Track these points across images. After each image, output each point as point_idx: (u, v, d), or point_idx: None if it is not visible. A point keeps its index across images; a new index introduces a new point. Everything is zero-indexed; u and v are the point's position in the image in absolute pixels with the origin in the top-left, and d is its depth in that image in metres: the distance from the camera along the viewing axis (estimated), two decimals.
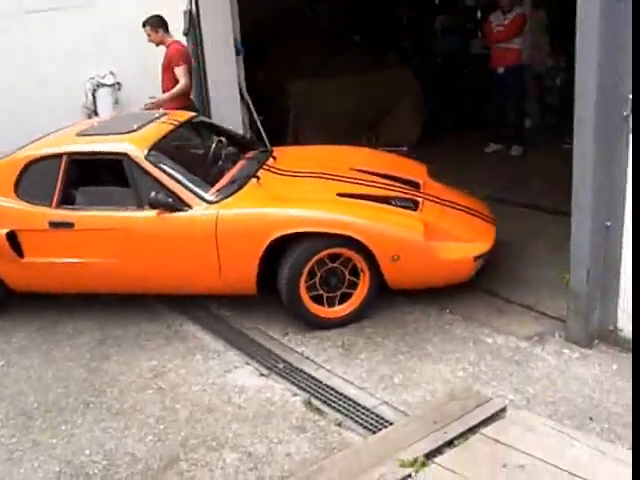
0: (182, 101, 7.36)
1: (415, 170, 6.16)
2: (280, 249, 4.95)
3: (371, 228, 4.91)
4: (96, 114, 8.24)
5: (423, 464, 3.50)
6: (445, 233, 5.07)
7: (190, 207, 5.12)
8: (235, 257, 5.02)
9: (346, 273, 5.03)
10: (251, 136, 8.40)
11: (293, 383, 4.48)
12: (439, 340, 4.80)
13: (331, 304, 5.08)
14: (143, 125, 5.75)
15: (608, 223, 4.35)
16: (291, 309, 5.11)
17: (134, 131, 5.62)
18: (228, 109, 8.03)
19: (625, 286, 4.35)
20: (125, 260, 5.26)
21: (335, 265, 5.01)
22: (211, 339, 5.14)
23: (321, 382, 4.46)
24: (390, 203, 5.25)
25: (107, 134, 5.71)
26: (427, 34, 11.53)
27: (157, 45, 7.47)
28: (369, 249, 4.87)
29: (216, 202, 5.14)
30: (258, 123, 8.68)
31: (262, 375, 4.61)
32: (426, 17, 11.63)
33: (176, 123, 5.97)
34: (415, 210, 5.24)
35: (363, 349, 4.79)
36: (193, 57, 7.67)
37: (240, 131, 7.95)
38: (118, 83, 8.34)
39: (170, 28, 7.40)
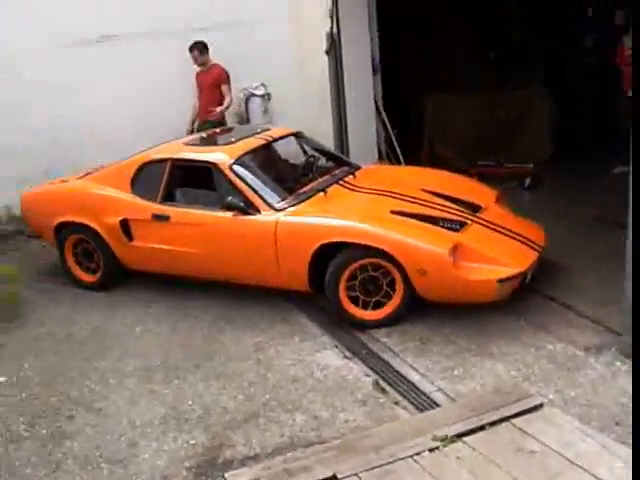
0: (223, 115, 8.80)
1: (483, 195, 6.65)
2: (333, 255, 5.74)
3: (401, 243, 5.52)
4: (248, 121, 9.25)
5: (452, 441, 4.14)
6: (477, 255, 5.54)
7: (259, 212, 6.03)
8: (290, 258, 5.88)
9: (384, 283, 5.67)
10: (383, 150, 9.15)
11: (369, 367, 5.24)
12: (504, 343, 5.39)
13: (365, 307, 5.78)
14: (241, 139, 6.76)
15: None
16: (333, 306, 5.87)
17: (230, 143, 6.65)
18: (363, 124, 8.88)
19: None
20: (207, 251, 6.28)
21: (376, 274, 5.67)
22: (311, 325, 5.98)
23: (392, 367, 5.19)
24: (437, 223, 5.84)
25: (208, 145, 6.80)
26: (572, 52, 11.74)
27: (199, 65, 8.80)
28: (399, 262, 5.50)
29: (281, 210, 6.02)
30: (392, 137, 9.38)
31: (345, 357, 5.40)
32: (574, 35, 11.82)
33: (269, 138, 6.90)
34: (457, 231, 5.79)
35: (437, 344, 5.46)
36: (332, 76, 8.58)
37: (374, 145, 8.76)
38: (268, 94, 9.23)
39: (311, 47, 8.38)
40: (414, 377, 5.06)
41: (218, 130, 7.61)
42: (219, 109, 8.72)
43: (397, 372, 5.14)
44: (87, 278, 7.18)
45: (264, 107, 9.23)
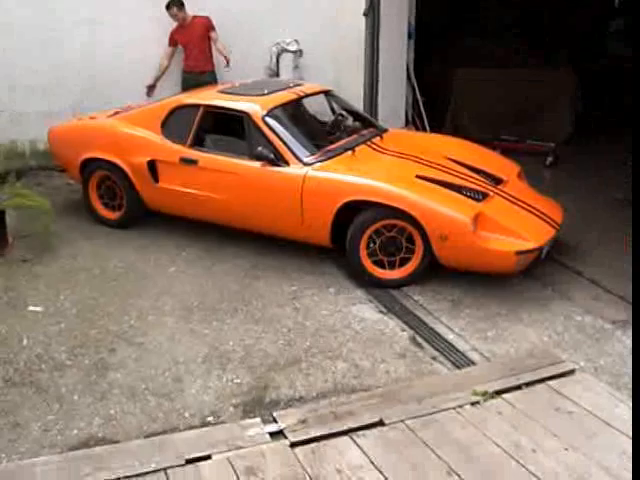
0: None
1: (506, 168, 6.77)
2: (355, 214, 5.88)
3: (425, 207, 5.65)
4: (277, 76, 9.31)
5: (491, 396, 4.32)
6: (498, 226, 5.68)
7: (288, 164, 6.16)
8: (314, 212, 6.02)
9: (403, 241, 5.83)
10: (412, 114, 9.27)
11: (405, 322, 5.42)
12: (535, 311, 5.58)
13: (383, 267, 5.93)
14: (273, 91, 6.85)
15: None
16: (352, 267, 6.04)
17: (263, 95, 6.72)
18: (394, 89, 8.97)
19: None
20: (232, 198, 6.41)
21: (394, 234, 5.82)
22: (345, 278, 6.14)
23: (427, 324, 5.38)
24: (460, 191, 5.95)
25: (240, 94, 6.83)
26: (600, 36, 11.89)
27: (180, 22, 8.93)
28: (422, 225, 5.65)
29: (310, 164, 6.14)
30: (420, 103, 9.51)
31: (380, 312, 5.58)
32: (601, 19, 11.96)
33: (301, 93, 6.99)
34: (480, 201, 5.90)
35: (469, 306, 5.65)
36: (368, 38, 8.68)
37: (402, 110, 8.87)
38: (300, 50, 9.27)
39: (350, 7, 8.48)
40: (449, 335, 5.24)
41: (249, 81, 7.65)
42: (225, 52, 8.88)
43: (432, 329, 5.32)
44: (108, 215, 7.31)
45: (295, 63, 9.27)
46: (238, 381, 4.70)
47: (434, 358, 4.94)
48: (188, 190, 6.63)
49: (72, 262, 6.49)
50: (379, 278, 5.95)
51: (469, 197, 5.94)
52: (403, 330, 5.31)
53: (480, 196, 6.01)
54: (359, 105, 8.64)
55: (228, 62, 8.85)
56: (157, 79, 9.17)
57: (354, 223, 5.89)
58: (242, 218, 6.50)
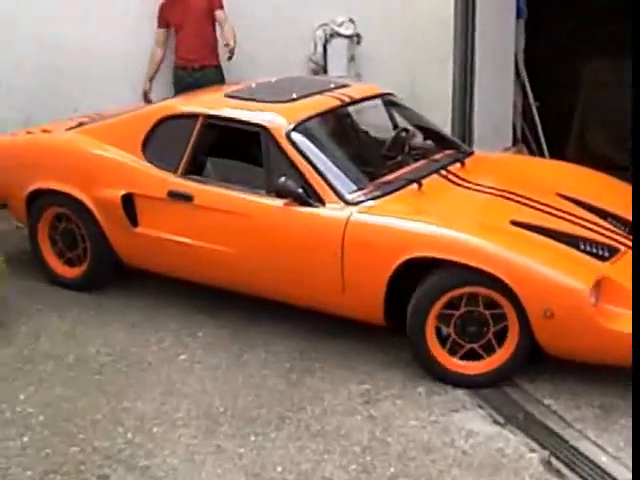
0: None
1: None
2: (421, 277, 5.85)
3: (522, 268, 5.58)
4: (325, 71, 9.42)
5: None
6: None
7: (323, 204, 6.16)
8: (360, 274, 5.99)
9: (491, 329, 5.78)
10: (522, 126, 9.31)
11: (532, 438, 5.43)
12: None
13: (455, 354, 5.91)
14: (305, 95, 6.88)
15: None
16: (415, 355, 6.05)
17: (291, 101, 6.77)
18: (495, 87, 9.00)
19: None
20: (242, 251, 6.43)
21: (484, 313, 5.77)
22: None
23: (567, 442, 5.38)
24: (577, 245, 5.93)
25: (257, 100, 6.86)
26: None
27: None
28: (516, 295, 5.55)
29: (355, 203, 6.15)
30: (533, 110, 9.54)
31: (496, 423, 5.60)
32: None
33: (347, 99, 7.00)
34: (605, 260, 5.89)
35: (626, 414, 5.61)
36: (460, 17, 8.78)
37: (509, 123, 8.93)
38: (357, 35, 9.39)
39: None
40: (601, 458, 5.23)
41: (273, 80, 7.72)
42: (232, 42, 8.99)
43: (574, 449, 5.33)
44: (65, 272, 7.45)
45: (351, 53, 9.39)
46: None
47: None
48: (179, 238, 6.70)
49: (34, 345, 6.61)
50: (454, 373, 5.94)
51: (589, 253, 5.91)
52: (532, 450, 5.31)
53: (606, 252, 5.99)
54: (445, 116, 8.76)
55: (232, 53, 9.00)
56: (152, 78, 9.40)
57: (418, 291, 5.89)
58: (255, 280, 6.55)
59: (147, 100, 9.26)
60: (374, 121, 7.64)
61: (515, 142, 9.34)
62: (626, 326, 5.35)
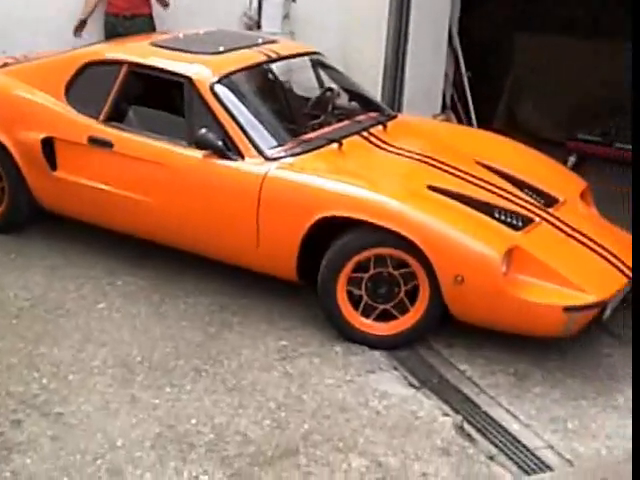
0: None
1: (566, 184, 6.82)
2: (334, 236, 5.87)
3: (434, 232, 5.62)
4: (258, 27, 9.38)
5: None
6: (542, 267, 5.65)
7: (242, 158, 6.18)
8: (274, 230, 6.03)
9: (402, 290, 5.81)
10: (452, 95, 9.34)
11: (447, 403, 5.47)
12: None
13: (367, 315, 5.94)
14: (233, 49, 6.87)
15: None
16: (325, 312, 6.07)
17: (218, 53, 6.76)
18: (429, 56, 9.05)
19: None
20: (159, 201, 6.43)
21: (395, 274, 5.80)
22: None
23: (479, 408, 5.44)
24: (491, 213, 5.99)
25: (184, 51, 6.83)
26: None
27: None
28: (428, 258, 5.59)
29: (274, 159, 6.16)
30: (465, 80, 9.59)
31: (411, 385, 5.64)
32: None
33: (273, 55, 6.99)
34: (519, 230, 5.94)
35: (539, 382, 5.72)
36: None
37: (439, 89, 8.95)
38: None
39: None
40: (512, 425, 5.29)
41: (201, 32, 7.65)
42: None
43: (487, 415, 5.38)
44: None
45: (286, 11, 9.39)
46: (205, 478, 4.70)
47: (491, 458, 4.99)
48: (97, 185, 6.66)
49: None
50: (360, 330, 5.95)
51: (503, 222, 5.95)
52: (445, 414, 5.36)
53: (520, 222, 6.03)
54: (376, 80, 8.74)
55: (167, 3, 9.03)
56: (86, 17, 9.27)
57: (331, 250, 5.89)
58: (173, 231, 6.53)
59: (77, 33, 9.25)
60: (300, 79, 7.62)
61: (444, 108, 9.35)
62: (535, 296, 5.53)
